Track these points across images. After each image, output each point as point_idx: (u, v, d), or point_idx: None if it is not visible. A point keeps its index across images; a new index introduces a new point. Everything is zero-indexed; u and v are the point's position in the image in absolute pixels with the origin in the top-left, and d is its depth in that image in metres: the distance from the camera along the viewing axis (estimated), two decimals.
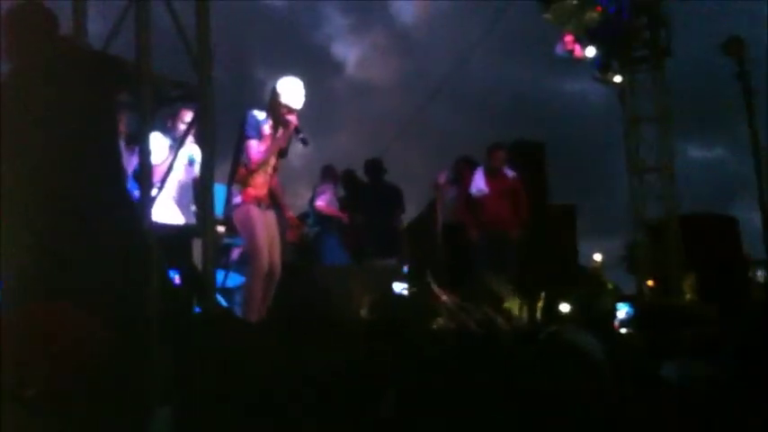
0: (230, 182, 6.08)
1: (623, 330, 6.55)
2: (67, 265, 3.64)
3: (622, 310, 7.59)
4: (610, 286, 13.93)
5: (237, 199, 6.03)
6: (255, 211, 6.00)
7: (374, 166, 10.08)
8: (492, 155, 9.26)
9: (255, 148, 6.02)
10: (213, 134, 4.98)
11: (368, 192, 10.00)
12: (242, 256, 7.23)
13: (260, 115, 6.12)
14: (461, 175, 9.55)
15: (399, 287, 7.78)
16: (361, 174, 10.23)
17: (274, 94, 6.14)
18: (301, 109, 6.11)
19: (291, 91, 6.13)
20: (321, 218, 9.54)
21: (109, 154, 4.09)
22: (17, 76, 3.85)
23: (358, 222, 9.76)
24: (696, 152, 26.49)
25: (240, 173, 6.03)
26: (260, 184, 6.06)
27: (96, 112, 3.96)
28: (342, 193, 10.10)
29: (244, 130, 6.07)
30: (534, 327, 4.71)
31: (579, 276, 12.48)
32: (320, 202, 9.55)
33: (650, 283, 13.53)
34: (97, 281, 3.72)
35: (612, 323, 6.52)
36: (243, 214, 6.01)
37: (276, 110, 6.08)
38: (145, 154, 4.64)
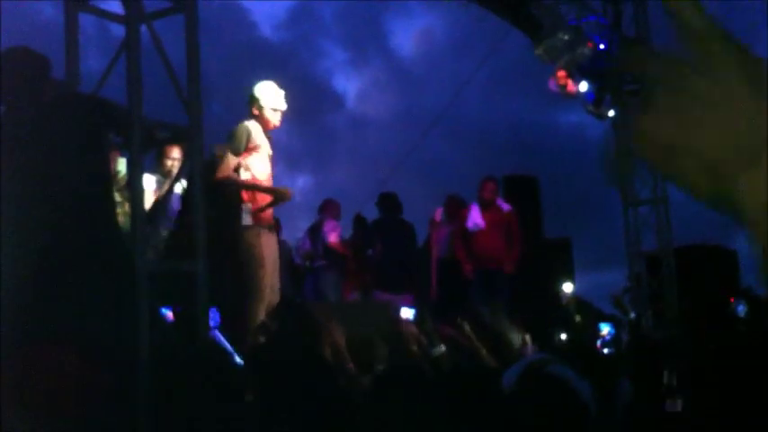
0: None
1: (606, 351, 6.57)
2: (56, 302, 3.68)
3: (605, 330, 7.60)
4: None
5: (247, 220, 6.10)
6: (265, 235, 6.07)
7: (392, 202, 9.94)
8: (483, 187, 9.38)
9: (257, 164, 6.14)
10: (202, 177, 5.03)
11: (385, 226, 9.83)
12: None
13: (250, 126, 6.20)
14: (454, 212, 9.64)
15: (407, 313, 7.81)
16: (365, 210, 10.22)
17: (255, 100, 6.22)
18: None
19: (272, 93, 6.22)
20: (331, 254, 9.54)
21: (97, 194, 4.16)
22: (7, 119, 3.92)
23: (375, 256, 9.71)
24: None
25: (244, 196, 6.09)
26: (265, 205, 6.14)
27: (85, 153, 4.03)
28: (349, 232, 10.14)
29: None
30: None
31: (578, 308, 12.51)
32: (333, 239, 9.57)
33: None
34: (85, 319, 3.76)
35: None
36: (254, 237, 6.08)
37: (263, 115, 6.16)
38: (136, 194, 4.69)
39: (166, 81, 5.03)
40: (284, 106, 6.27)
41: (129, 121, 4.62)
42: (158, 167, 6.25)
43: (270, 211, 6.21)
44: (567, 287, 18.47)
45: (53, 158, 3.88)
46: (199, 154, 4.96)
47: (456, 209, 9.70)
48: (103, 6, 5.24)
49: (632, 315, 13.03)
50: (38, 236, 3.86)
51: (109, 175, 4.40)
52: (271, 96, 6.24)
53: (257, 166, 6.20)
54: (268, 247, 6.10)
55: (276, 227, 9.69)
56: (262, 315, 5.86)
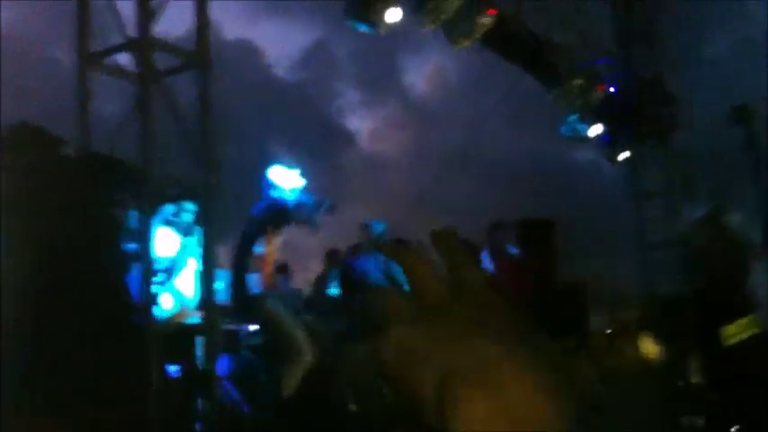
0: (240, 267, 6.12)
1: None
2: (61, 362, 3.69)
3: None
4: None
5: (256, 289, 6.10)
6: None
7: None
8: (492, 235, 9.29)
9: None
10: (213, 233, 5.06)
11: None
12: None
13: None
14: None
15: None
16: None
17: (269, 184, 6.19)
18: (313, 183, 6.20)
19: (286, 176, 6.25)
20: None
21: (108, 254, 4.19)
22: (8, 186, 3.97)
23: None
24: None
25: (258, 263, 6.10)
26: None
27: (92, 214, 4.07)
28: None
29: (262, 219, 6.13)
30: None
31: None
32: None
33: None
34: (92, 378, 3.77)
35: None
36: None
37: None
38: (146, 250, 4.72)
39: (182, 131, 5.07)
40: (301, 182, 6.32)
41: (142, 178, 4.67)
42: (176, 221, 6.27)
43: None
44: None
45: (64, 220, 3.92)
46: (212, 212, 5.00)
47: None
48: (118, 58, 5.31)
49: None
50: (50, 297, 3.88)
51: (120, 232, 4.43)
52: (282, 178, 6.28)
53: None
54: None
55: (284, 271, 9.64)
56: None
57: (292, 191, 6.25)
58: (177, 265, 5.38)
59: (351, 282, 8.49)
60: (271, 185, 6.18)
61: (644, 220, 14.24)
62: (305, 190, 6.37)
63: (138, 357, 4.14)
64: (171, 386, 4.69)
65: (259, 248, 6.07)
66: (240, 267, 6.09)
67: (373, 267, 8.66)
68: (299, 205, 6.25)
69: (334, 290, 9.17)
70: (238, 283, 6.03)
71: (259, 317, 6.10)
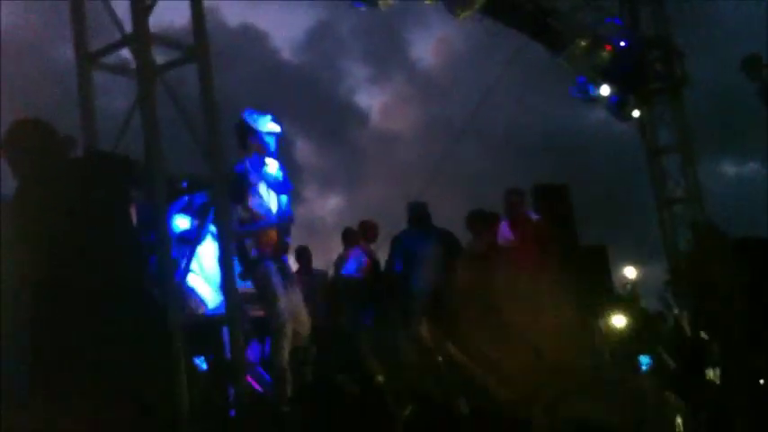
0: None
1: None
2: (92, 363, 3.71)
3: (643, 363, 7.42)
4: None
5: (253, 252, 5.98)
6: (273, 268, 6.00)
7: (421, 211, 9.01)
8: (509, 201, 9.19)
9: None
10: (228, 224, 5.06)
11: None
12: None
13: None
14: (479, 229, 9.23)
15: None
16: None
17: (247, 128, 6.12)
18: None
19: (260, 117, 6.17)
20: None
21: (123, 250, 4.18)
22: (23, 191, 3.98)
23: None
24: (730, 168, 26.10)
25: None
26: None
27: (106, 212, 4.07)
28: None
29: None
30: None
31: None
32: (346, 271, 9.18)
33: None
34: (118, 375, 3.77)
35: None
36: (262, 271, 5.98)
37: (258, 141, 6.11)
38: (163, 246, 4.73)
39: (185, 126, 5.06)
40: (278, 128, 6.20)
41: (150, 174, 4.67)
42: (189, 211, 6.26)
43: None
44: (630, 272, 18.09)
45: (78, 220, 3.92)
46: (223, 202, 4.99)
47: (482, 225, 9.31)
48: (118, 54, 5.30)
49: (675, 311, 12.86)
50: (70, 297, 3.89)
51: (134, 230, 4.43)
52: (258, 122, 6.17)
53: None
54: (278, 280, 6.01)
55: (306, 256, 9.55)
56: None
57: (269, 134, 6.19)
58: (196, 256, 5.39)
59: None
60: (249, 129, 6.13)
61: (660, 177, 14.16)
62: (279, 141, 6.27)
63: (165, 353, 4.15)
64: (201, 378, 4.71)
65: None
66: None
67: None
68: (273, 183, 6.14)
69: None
70: (240, 248, 5.91)
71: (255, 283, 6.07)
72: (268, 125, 6.17)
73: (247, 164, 6.05)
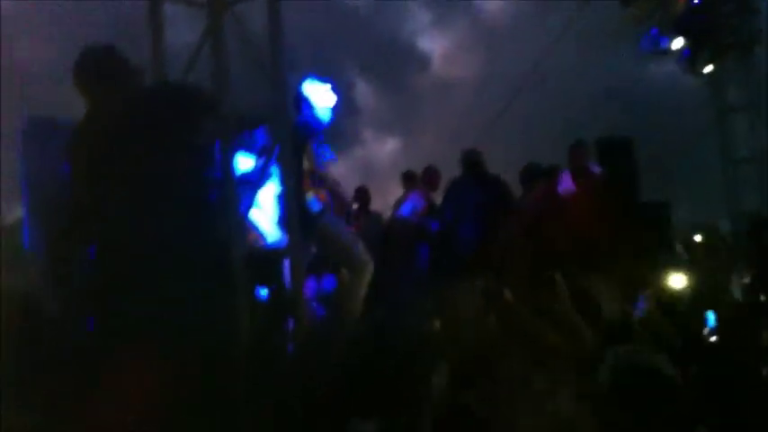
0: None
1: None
2: (157, 298, 3.76)
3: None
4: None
5: (317, 206, 6.12)
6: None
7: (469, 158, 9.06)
8: (573, 153, 9.11)
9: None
10: (291, 156, 5.08)
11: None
12: None
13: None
14: (530, 185, 9.08)
15: None
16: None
17: (303, 101, 6.17)
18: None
19: (318, 89, 6.18)
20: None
21: (192, 184, 4.21)
22: (91, 120, 4.01)
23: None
24: None
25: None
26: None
27: (176, 144, 4.09)
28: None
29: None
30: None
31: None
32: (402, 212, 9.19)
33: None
34: (188, 315, 3.82)
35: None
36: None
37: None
38: (230, 182, 4.76)
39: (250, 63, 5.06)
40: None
41: (219, 105, 4.69)
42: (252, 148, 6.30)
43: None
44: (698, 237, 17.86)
45: (139, 151, 3.94)
46: (286, 134, 5.00)
47: (533, 178, 9.14)
48: None
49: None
50: (138, 231, 3.93)
51: (206, 160, 4.44)
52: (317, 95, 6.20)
53: None
54: None
55: (365, 197, 9.56)
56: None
57: (324, 109, 6.21)
58: (259, 189, 5.44)
59: None
60: (304, 100, 6.16)
61: (728, 136, 13.85)
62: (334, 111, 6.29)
63: (227, 284, 4.19)
64: (261, 310, 4.76)
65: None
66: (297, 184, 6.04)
67: None
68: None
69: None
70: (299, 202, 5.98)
71: (317, 235, 6.15)
72: (324, 98, 6.19)
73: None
